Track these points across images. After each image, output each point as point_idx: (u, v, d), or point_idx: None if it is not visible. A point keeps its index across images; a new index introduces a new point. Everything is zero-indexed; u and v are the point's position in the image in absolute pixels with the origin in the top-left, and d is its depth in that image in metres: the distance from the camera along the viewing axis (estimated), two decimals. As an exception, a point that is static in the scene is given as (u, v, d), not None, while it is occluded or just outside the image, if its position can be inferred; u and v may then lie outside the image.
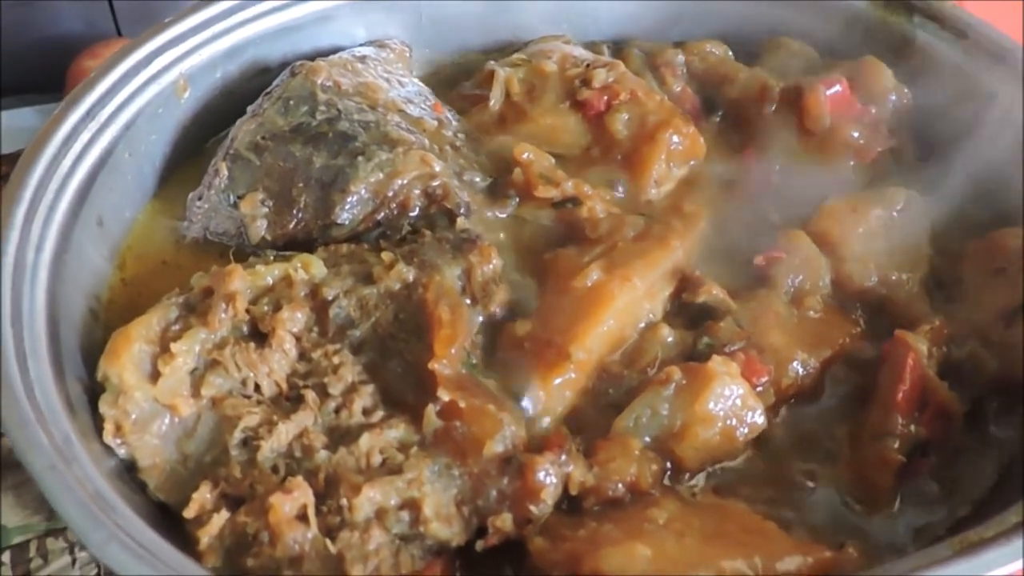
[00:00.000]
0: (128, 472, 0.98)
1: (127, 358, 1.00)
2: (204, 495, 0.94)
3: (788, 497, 1.03)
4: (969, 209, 1.28)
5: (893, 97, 1.31)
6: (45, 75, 1.77)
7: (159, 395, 0.99)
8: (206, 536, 0.91)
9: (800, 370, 1.09)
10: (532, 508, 0.92)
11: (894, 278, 1.17)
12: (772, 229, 1.22)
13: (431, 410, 0.97)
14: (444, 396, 0.96)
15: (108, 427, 0.97)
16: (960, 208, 1.27)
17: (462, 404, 0.96)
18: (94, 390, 1.00)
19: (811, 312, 1.15)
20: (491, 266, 1.10)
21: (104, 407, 0.98)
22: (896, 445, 1.02)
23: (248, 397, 1.02)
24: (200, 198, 1.20)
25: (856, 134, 1.28)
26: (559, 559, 0.89)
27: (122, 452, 0.98)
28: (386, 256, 1.10)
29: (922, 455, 1.05)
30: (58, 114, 1.12)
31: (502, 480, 0.94)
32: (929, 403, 1.06)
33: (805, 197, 1.26)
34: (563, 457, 0.95)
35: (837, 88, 1.30)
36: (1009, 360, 1.09)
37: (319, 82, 1.24)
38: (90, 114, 1.15)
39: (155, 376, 1.00)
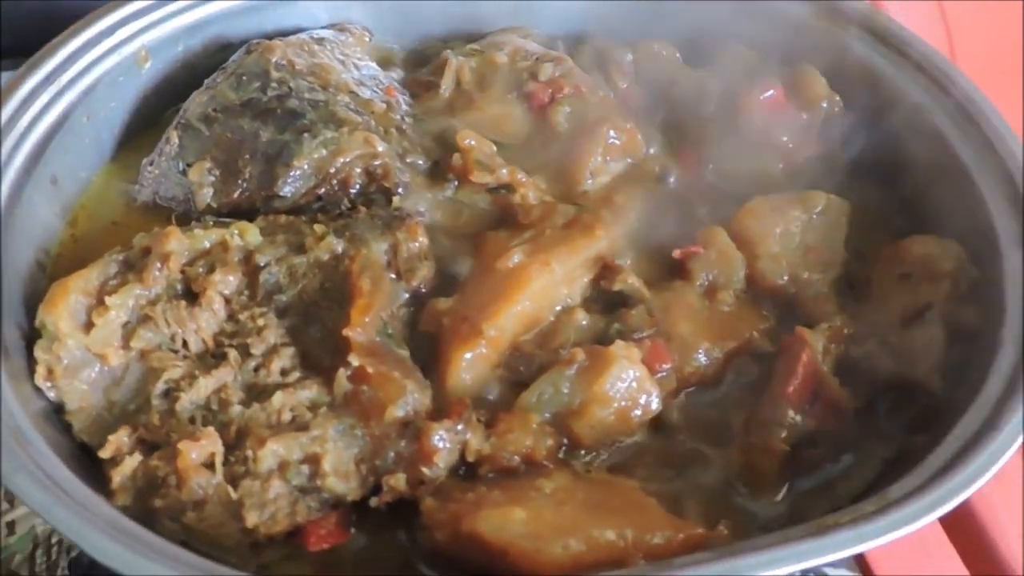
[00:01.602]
0: (56, 414, 1.05)
1: (63, 307, 1.06)
2: (121, 438, 1.00)
3: (681, 477, 1.09)
4: (889, 215, 1.33)
5: (825, 104, 1.36)
6: (44, 40, 1.83)
7: (91, 344, 1.06)
8: (118, 476, 0.98)
9: (703, 359, 1.15)
10: (425, 470, 0.98)
11: (805, 277, 1.22)
12: (698, 225, 1.28)
13: (342, 373, 1.03)
14: (354, 361, 1.02)
15: (40, 370, 1.04)
16: (880, 214, 1.33)
17: (370, 370, 1.02)
18: (32, 337, 1.07)
19: (723, 305, 1.20)
20: (417, 244, 1.16)
21: (39, 352, 1.05)
22: (783, 435, 1.08)
23: (175, 352, 1.08)
24: (152, 164, 1.26)
25: (786, 138, 1.33)
26: (444, 518, 0.95)
27: (51, 395, 1.05)
28: (318, 228, 1.16)
29: (811, 446, 1.10)
30: (17, 77, 1.19)
31: (400, 443, 1.00)
32: (820, 397, 1.11)
33: (733, 196, 1.31)
34: (460, 426, 1.01)
35: (771, 93, 1.35)
36: (903, 361, 1.14)
37: (273, 60, 1.30)
38: (50, 78, 1.21)
39: (89, 326, 1.06)
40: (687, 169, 1.36)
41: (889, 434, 1.13)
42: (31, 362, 1.05)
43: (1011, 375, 1.05)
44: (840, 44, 1.40)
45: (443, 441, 0.99)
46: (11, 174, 1.15)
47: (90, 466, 1.01)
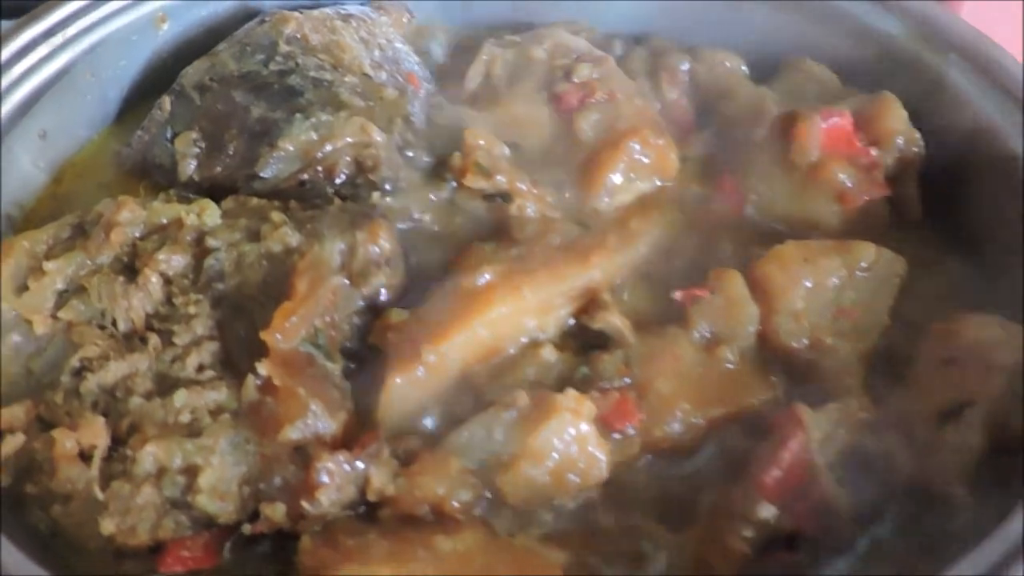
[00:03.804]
0: (-27, 378, 1.00)
1: (3, 267, 1.02)
2: (15, 413, 0.94)
3: (621, 559, 0.92)
4: (965, 287, 1.10)
5: (900, 141, 1.13)
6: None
7: (20, 307, 1.01)
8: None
9: (678, 426, 0.97)
10: (306, 504, 0.87)
11: (829, 343, 1.02)
12: (719, 265, 1.09)
13: (251, 380, 0.93)
14: (262, 370, 0.92)
15: (-36, 330, 1.00)
16: (952, 284, 1.10)
17: (276, 382, 0.92)
18: (-27, 292, 1.03)
19: (723, 363, 1.02)
20: (377, 247, 1.04)
21: (-30, 310, 1.01)
22: (748, 533, 0.89)
23: (103, 328, 1.01)
24: (143, 129, 1.21)
25: (844, 176, 1.12)
26: (311, 564, 0.83)
27: (-30, 356, 1.00)
28: (276, 217, 1.06)
29: (787, 548, 0.91)
30: (16, 27, 1.16)
31: (289, 468, 0.89)
32: (808, 494, 0.91)
33: (771, 238, 1.12)
34: (359, 461, 0.89)
35: (836, 120, 1.14)
36: (929, 466, 0.92)
37: (286, 33, 1.21)
38: (52, 31, 1.18)
39: (25, 289, 1.01)
40: (725, 199, 1.18)
41: (894, 551, 0.92)
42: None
43: (1049, 508, 0.82)
44: (934, 73, 1.17)
45: (329, 476, 0.87)
46: (-9, 124, 1.12)
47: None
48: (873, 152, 1.13)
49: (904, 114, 1.14)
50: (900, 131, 1.13)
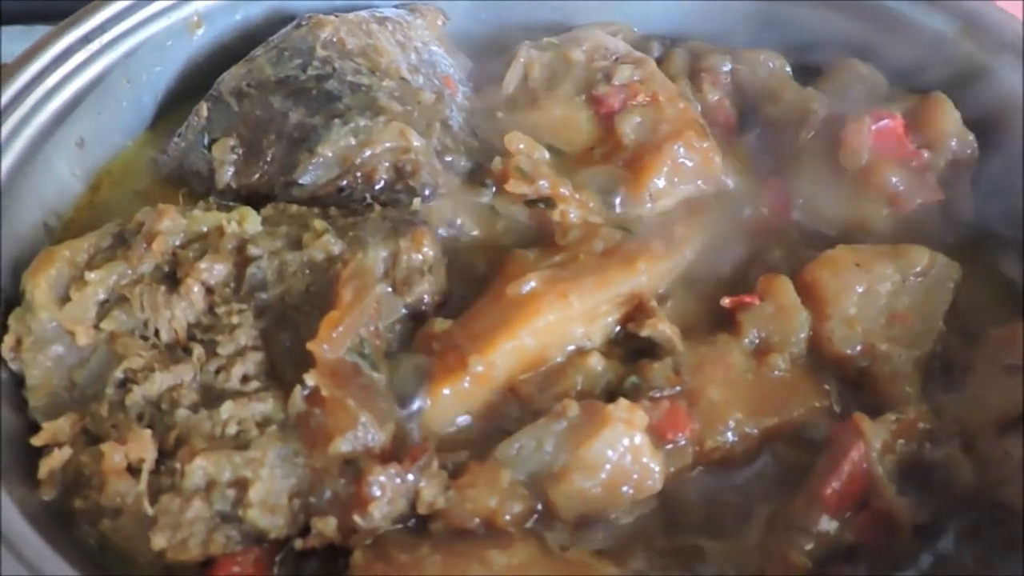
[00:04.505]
0: (17, 388, 0.99)
1: (44, 276, 1.01)
2: (60, 426, 0.93)
3: (672, 572, 0.90)
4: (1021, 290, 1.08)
5: (953, 144, 1.11)
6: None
7: (62, 318, 0.99)
8: (46, 467, 0.91)
9: (731, 435, 0.95)
10: (358, 519, 0.85)
11: (883, 349, 1.00)
12: (770, 270, 1.07)
13: (298, 391, 0.92)
14: (309, 380, 0.91)
15: (8, 340, 0.99)
16: (1009, 288, 1.08)
17: (324, 393, 0.90)
18: (13, 302, 1.02)
19: (774, 371, 1.00)
20: (419, 255, 1.03)
21: (12, 320, 1.00)
22: (808, 546, 0.87)
23: (146, 339, 1.00)
24: (179, 135, 1.19)
25: (895, 179, 1.10)
26: (365, 578, 0.82)
27: (14, 366, 0.99)
28: (318, 224, 1.05)
29: (846, 561, 0.89)
30: (51, 34, 1.14)
31: (339, 481, 0.87)
32: (869, 505, 0.89)
33: (820, 242, 1.10)
34: (411, 474, 0.87)
35: (886, 123, 1.12)
36: (991, 475, 0.90)
37: (322, 37, 1.20)
38: (88, 37, 1.16)
39: (66, 300, 1.00)
40: (771, 203, 1.16)
41: (960, 562, 0.90)
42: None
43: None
44: (986, 72, 1.14)
45: (381, 490, 0.85)
46: (29, 131, 1.11)
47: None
48: (925, 154, 1.11)
49: (957, 115, 1.12)
50: (953, 133, 1.12)
